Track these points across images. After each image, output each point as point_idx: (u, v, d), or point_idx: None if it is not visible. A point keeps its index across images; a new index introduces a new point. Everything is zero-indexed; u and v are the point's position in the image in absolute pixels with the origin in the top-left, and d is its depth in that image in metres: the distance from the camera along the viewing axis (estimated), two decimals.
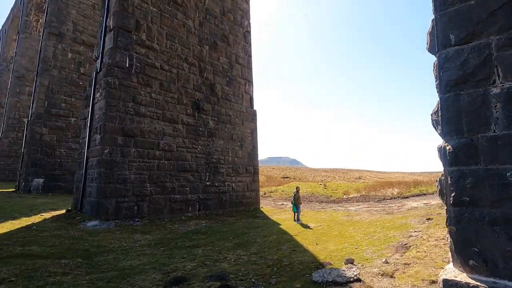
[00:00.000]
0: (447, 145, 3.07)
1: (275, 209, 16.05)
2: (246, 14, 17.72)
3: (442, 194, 3.14)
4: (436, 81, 3.30)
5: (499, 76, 2.84)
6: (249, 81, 17.32)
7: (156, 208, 11.46)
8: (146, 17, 12.08)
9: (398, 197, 17.18)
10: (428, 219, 8.73)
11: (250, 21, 18.15)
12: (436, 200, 13.54)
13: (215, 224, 11.24)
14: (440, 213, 9.48)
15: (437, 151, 3.26)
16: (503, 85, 2.80)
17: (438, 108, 3.26)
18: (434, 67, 3.35)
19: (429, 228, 7.53)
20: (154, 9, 12.45)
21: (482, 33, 2.96)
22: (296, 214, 11.90)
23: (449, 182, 3.03)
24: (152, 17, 12.33)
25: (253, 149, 16.79)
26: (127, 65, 11.22)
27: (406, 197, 16.64)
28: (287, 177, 48.55)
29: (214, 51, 15.19)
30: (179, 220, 11.70)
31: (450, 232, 3.02)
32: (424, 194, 16.81)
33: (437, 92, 3.27)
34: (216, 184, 14.14)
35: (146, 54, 11.95)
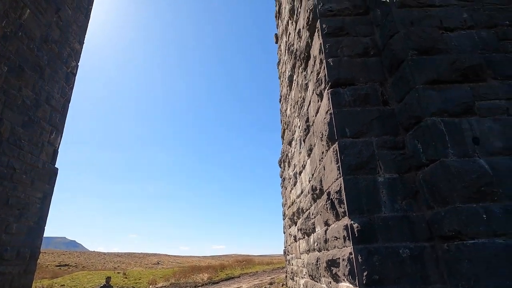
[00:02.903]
0: (354, 223, 3.28)
1: None
2: (76, 54, 14.92)
3: (352, 274, 3.14)
4: (336, 163, 3.71)
5: (381, 168, 3.55)
6: (58, 130, 13.36)
7: None
8: None
9: (209, 282, 16.79)
10: None
11: (79, 64, 15.33)
12: (246, 284, 14.30)
13: None
14: None
15: (342, 229, 3.40)
16: (384, 175, 3.51)
17: (340, 187, 3.57)
18: (325, 153, 3.78)
19: None
20: None
21: (367, 133, 3.75)
22: None
23: (359, 261, 3.11)
24: None
25: (39, 222, 11.76)
26: None
27: (217, 282, 16.55)
28: (66, 265, 37.05)
29: (17, 78, 11.00)
30: None
31: None
32: (232, 278, 17.47)
33: (339, 172, 3.64)
34: None
35: None
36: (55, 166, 13.20)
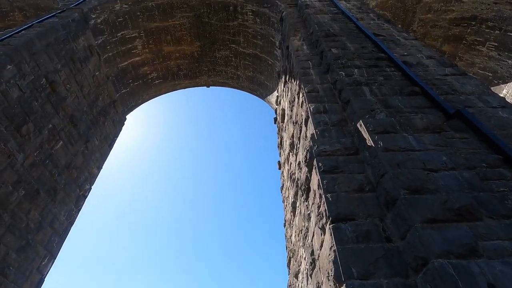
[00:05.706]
0: None
1: None
2: (92, 178, 15.94)
3: None
4: None
5: None
6: (52, 255, 12.72)
7: None
8: None
9: None
10: None
11: (92, 187, 16.13)
12: None
13: None
14: None
15: None
16: None
17: None
18: None
19: None
20: None
21: (375, 274, 3.57)
22: None
23: None
24: None
25: None
26: None
27: None
28: None
29: (30, 201, 11.43)
30: None
31: None
32: None
33: None
34: None
35: None
36: None
